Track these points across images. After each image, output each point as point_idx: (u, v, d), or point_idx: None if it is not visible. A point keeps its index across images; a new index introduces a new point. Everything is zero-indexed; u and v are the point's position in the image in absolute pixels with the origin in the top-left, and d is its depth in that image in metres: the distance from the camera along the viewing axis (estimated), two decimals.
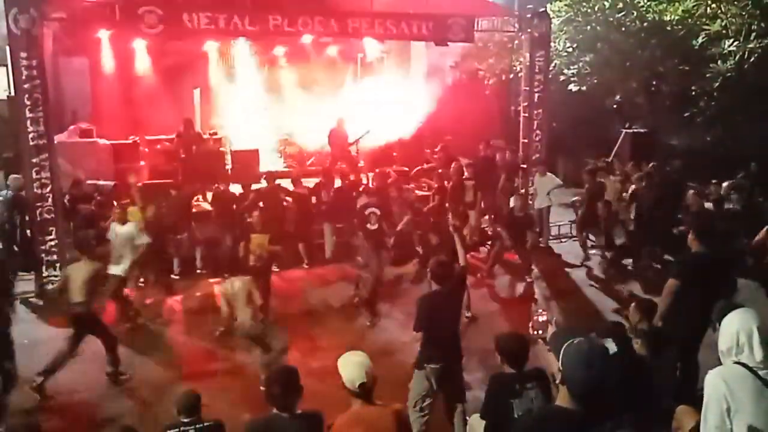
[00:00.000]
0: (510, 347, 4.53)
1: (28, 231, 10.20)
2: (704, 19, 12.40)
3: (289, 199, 11.24)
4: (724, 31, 12.06)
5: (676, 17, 12.82)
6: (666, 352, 5.17)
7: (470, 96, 17.21)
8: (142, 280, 10.08)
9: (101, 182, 12.14)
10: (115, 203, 10.57)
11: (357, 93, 16.53)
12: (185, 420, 4.49)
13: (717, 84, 12.09)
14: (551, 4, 14.13)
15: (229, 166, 14.28)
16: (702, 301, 5.98)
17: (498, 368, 4.62)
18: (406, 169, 14.13)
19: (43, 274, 9.83)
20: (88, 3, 9.75)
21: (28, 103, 9.33)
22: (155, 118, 14.55)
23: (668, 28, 12.98)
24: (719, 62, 11.98)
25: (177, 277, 10.51)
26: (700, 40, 12.37)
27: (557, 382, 2.93)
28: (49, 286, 9.80)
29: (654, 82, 13.83)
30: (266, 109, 15.70)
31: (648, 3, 13.20)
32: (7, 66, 9.91)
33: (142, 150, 14.09)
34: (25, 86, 9.29)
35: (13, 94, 9.92)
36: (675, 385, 5.16)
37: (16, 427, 4.18)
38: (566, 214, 13.09)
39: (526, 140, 12.54)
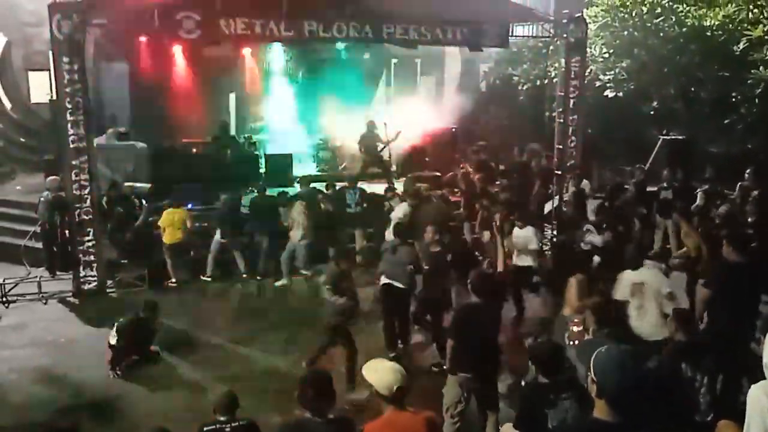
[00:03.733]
0: (544, 356, 4.47)
1: (67, 231, 10.40)
2: (746, 25, 12.12)
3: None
4: (766, 37, 11.78)
5: (717, 22, 12.55)
6: (704, 364, 5.05)
7: (504, 101, 17.12)
8: None
9: (138, 184, 12.35)
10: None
11: (390, 97, 16.58)
12: (221, 419, 4.59)
13: (759, 90, 11.81)
14: (588, 9, 13.97)
15: (263, 170, 14.43)
16: (738, 311, 5.86)
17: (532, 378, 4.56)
18: (438, 174, 14.10)
19: (81, 274, 10.00)
20: (128, 9, 9.92)
21: (69, 106, 9.55)
22: (192, 121, 14.76)
23: (708, 34, 12.70)
24: (761, 68, 11.69)
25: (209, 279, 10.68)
26: (741, 45, 12.10)
27: (593, 395, 2.88)
28: (86, 286, 10.00)
29: (692, 88, 13.55)
30: (300, 114, 15.81)
31: (687, 8, 12.95)
32: (50, 70, 10.13)
33: (178, 153, 14.28)
34: (67, 90, 9.51)
35: (55, 97, 10.13)
36: (716, 398, 5.03)
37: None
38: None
39: (561, 146, 12.39)
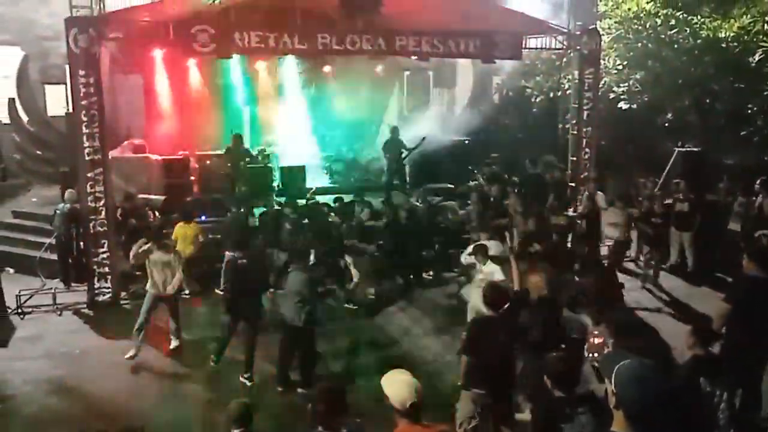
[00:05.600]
0: (559, 370, 4.41)
1: (82, 243, 10.45)
2: (761, 36, 12.07)
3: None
4: None
5: (731, 34, 12.49)
6: (723, 379, 4.97)
7: (517, 113, 17.10)
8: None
9: (152, 196, 12.41)
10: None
11: (403, 109, 16.58)
12: (236, 431, 4.51)
13: None
14: (601, 21, 13.95)
15: (276, 182, 14.46)
16: (757, 326, 5.76)
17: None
18: (452, 186, 14.07)
19: (95, 286, 10.04)
20: (143, 23, 10.02)
21: (85, 119, 9.61)
22: (206, 134, 14.85)
23: (723, 45, 12.63)
24: None
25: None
26: (756, 57, 12.03)
27: (612, 406, 2.84)
28: (100, 298, 10.04)
29: (707, 100, 13.48)
30: (314, 126, 15.87)
31: (702, 20, 12.90)
32: (66, 84, 10.22)
33: (192, 165, 14.36)
34: (83, 103, 9.58)
35: (71, 110, 10.22)
36: (735, 414, 4.95)
37: None
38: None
39: (574, 158, 12.35)
